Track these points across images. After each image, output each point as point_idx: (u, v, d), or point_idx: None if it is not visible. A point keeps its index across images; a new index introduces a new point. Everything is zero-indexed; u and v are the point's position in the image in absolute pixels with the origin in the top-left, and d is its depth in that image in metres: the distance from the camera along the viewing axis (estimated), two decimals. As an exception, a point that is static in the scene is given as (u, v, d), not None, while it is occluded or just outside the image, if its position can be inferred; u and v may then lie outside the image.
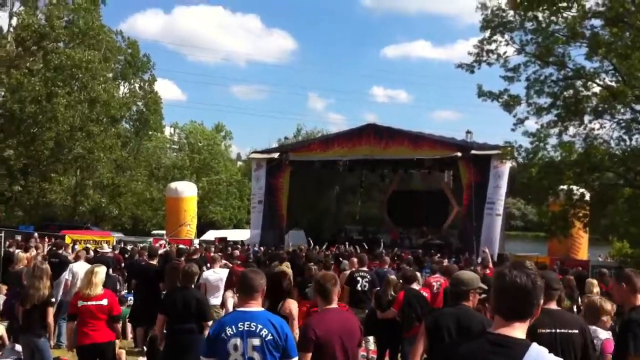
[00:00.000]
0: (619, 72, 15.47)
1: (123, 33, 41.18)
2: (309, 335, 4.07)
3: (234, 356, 3.65)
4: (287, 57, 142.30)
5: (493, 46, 16.75)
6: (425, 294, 8.16)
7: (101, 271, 6.41)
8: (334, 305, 4.30)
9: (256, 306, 3.86)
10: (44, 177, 32.63)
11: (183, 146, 50.63)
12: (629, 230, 16.05)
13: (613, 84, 15.82)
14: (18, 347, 7.91)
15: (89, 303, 6.25)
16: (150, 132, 44.36)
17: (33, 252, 10.84)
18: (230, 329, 3.68)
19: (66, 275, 10.07)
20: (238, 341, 3.65)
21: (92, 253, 13.45)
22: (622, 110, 15.89)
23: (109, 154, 33.87)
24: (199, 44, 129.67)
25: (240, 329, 3.67)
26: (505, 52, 16.76)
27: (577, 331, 3.85)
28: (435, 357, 4.05)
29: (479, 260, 13.85)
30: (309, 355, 4.05)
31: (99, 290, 6.32)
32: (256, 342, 3.64)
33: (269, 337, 3.66)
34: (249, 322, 3.69)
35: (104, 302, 6.36)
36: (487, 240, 21.27)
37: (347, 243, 21.43)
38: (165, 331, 6.28)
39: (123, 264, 13.91)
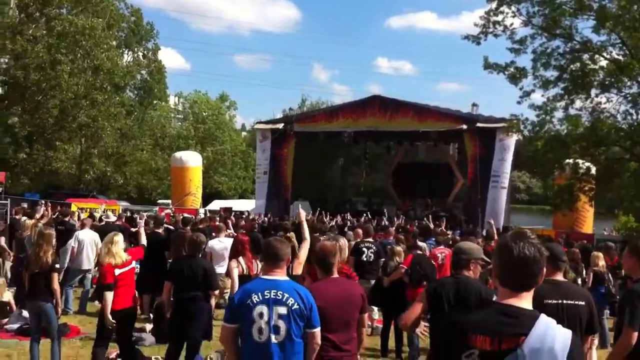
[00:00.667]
0: (626, 46, 15.31)
1: (126, 0, 40.79)
2: None
3: (259, 323, 3.60)
4: (291, 26, 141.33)
5: (500, 17, 16.65)
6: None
7: (120, 240, 6.43)
8: (335, 275, 4.23)
9: (281, 275, 3.80)
10: (49, 145, 32.60)
11: (187, 116, 50.44)
12: (635, 204, 16.04)
13: (620, 57, 15.69)
14: (25, 313, 8.02)
15: (125, 269, 6.31)
16: (154, 101, 44.24)
17: (37, 217, 10.87)
18: (256, 296, 3.62)
19: (72, 242, 10.15)
20: (264, 309, 3.60)
21: (99, 220, 13.51)
22: (628, 84, 15.84)
23: (114, 123, 33.73)
24: (203, 12, 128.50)
25: (266, 297, 3.62)
26: (512, 24, 16.66)
27: (583, 303, 3.87)
28: (439, 325, 4.07)
29: (484, 232, 13.83)
30: None
31: (124, 256, 6.35)
32: (282, 310, 3.60)
33: (295, 306, 3.62)
34: (275, 290, 3.64)
35: (134, 263, 6.52)
36: (492, 213, 21.30)
37: (349, 214, 21.41)
38: (171, 299, 6.33)
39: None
